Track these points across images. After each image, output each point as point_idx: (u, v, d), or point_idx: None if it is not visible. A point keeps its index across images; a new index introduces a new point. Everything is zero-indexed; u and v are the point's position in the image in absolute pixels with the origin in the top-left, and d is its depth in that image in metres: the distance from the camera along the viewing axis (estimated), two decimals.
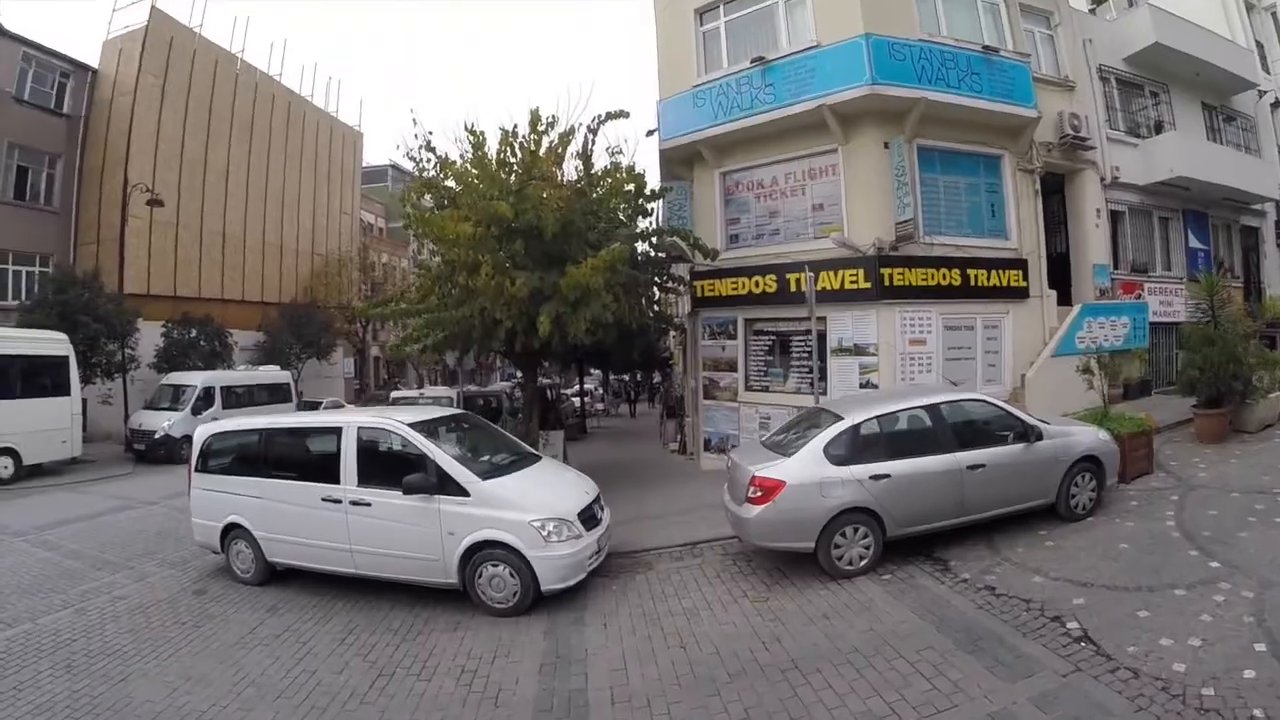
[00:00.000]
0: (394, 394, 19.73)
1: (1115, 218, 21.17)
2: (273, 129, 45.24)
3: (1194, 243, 24.23)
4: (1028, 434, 10.17)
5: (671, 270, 18.12)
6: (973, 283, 16.25)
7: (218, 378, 28.21)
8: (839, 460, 9.42)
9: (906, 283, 15.53)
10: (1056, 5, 19.23)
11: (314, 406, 29.17)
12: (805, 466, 9.38)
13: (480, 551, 9.29)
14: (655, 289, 18.12)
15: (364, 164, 58.10)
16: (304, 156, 47.89)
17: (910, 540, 9.79)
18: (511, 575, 9.18)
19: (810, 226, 16.80)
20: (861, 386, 15.55)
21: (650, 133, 20.17)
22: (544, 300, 13.99)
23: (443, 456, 9.66)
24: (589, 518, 9.94)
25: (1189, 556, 8.54)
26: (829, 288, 15.54)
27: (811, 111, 15.60)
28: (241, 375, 30.14)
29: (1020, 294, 16.93)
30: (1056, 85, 18.73)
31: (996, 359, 16.78)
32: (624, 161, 15.99)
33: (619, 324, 15.16)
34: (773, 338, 17.28)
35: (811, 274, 13.56)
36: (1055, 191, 19.36)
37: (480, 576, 9.32)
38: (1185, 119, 23.82)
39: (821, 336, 15.71)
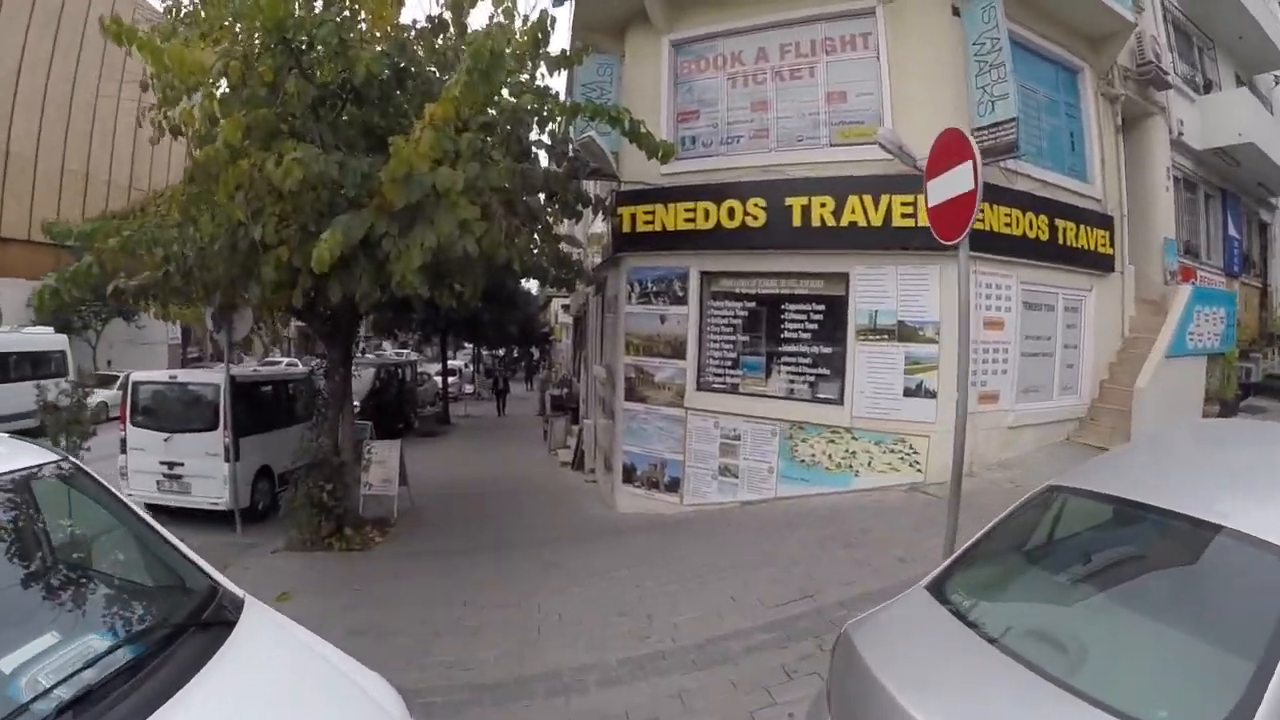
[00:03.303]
0: (134, 376, 12.46)
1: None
2: (89, 22, 32.99)
3: (1231, 230, 19.83)
4: None
5: (581, 189, 11.18)
6: (1060, 239, 10.60)
7: None
8: None
9: (987, 226, 9.45)
10: None
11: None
12: None
13: None
14: (556, 213, 11.11)
15: None
16: (131, 62, 37.37)
17: None
18: None
19: (823, 127, 10.35)
20: (909, 393, 9.34)
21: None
22: (348, 208, 7.41)
23: None
24: None
25: None
26: (857, 222, 9.45)
27: None
28: None
29: (1105, 265, 11.72)
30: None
31: (1074, 357, 11.48)
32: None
33: (489, 263, 8.45)
34: (750, 304, 10.67)
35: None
36: None
37: None
38: (1225, 86, 19.74)
39: (836, 305, 9.88)
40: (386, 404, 22.09)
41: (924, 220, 8.98)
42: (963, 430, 5.40)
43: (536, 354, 49.07)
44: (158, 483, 11.33)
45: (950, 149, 5.60)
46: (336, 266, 7.52)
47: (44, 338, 23.19)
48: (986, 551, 3.78)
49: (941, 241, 5.60)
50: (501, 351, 45.95)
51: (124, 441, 11.57)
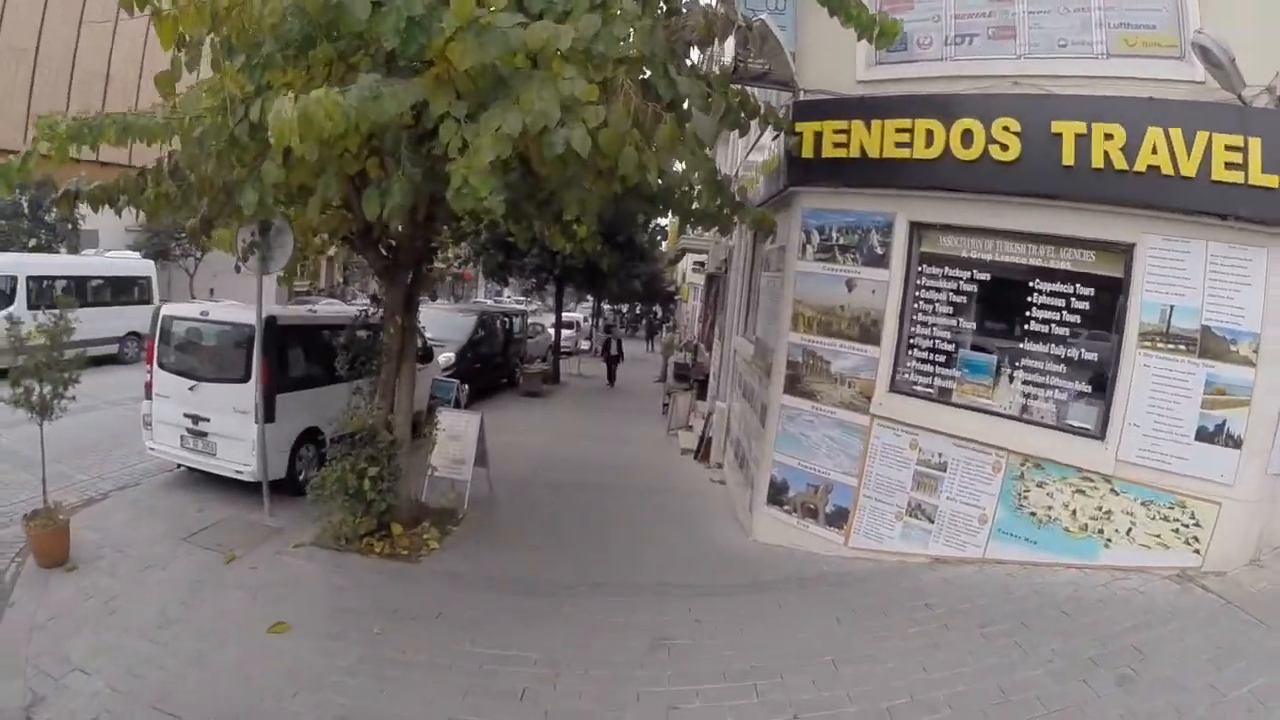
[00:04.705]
0: (164, 309, 10.31)
1: None
2: None
3: None
4: None
5: (749, 95, 7.55)
6: None
7: (21, 263, 18.44)
8: None
9: None
10: None
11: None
12: None
13: None
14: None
15: None
16: None
17: None
18: None
19: (1097, 29, 6.97)
20: (1204, 435, 6.16)
21: None
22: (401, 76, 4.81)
23: None
24: None
25: None
26: (1159, 169, 6.15)
27: None
28: (66, 262, 21.63)
29: None
30: None
31: None
32: None
33: (609, 176, 5.74)
34: (981, 276, 7.41)
35: None
36: None
37: None
38: None
39: (1109, 291, 6.69)
40: (487, 356, 19.90)
41: (1260, 177, 5.89)
42: None
43: (659, 313, 46.43)
44: (181, 438, 9.25)
45: None
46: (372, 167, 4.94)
47: (129, 262, 22.80)
48: None
49: None
50: (625, 307, 43.32)
51: (149, 386, 9.54)
